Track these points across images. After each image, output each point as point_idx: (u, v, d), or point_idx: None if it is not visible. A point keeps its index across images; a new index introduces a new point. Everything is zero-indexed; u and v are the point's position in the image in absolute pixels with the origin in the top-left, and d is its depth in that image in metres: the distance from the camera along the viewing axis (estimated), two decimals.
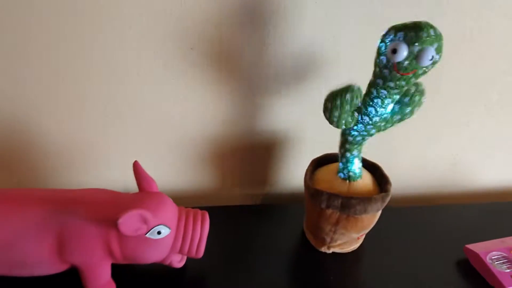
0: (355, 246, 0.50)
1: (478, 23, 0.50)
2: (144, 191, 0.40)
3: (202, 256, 0.41)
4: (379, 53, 0.35)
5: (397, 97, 0.38)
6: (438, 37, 0.33)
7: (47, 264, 0.36)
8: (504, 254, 0.47)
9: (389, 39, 0.34)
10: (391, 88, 0.36)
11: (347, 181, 0.44)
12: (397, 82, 0.35)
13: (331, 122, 0.40)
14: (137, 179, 0.40)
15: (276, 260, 0.47)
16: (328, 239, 0.47)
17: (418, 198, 0.69)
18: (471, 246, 0.48)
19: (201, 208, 0.42)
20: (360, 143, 0.43)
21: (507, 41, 0.52)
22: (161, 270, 0.44)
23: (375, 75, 0.37)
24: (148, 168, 0.42)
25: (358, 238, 0.49)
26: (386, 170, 0.46)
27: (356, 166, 0.44)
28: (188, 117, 0.53)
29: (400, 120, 0.40)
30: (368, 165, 0.48)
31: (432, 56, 0.33)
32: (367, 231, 0.46)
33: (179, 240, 0.39)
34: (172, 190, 0.61)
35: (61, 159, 0.55)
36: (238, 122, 0.55)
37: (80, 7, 0.43)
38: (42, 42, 0.45)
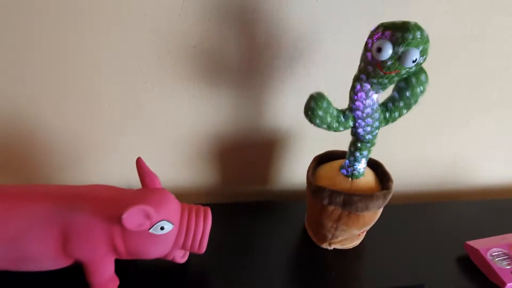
0: (356, 242, 0.50)
1: (478, 21, 0.50)
2: (147, 187, 0.40)
3: (205, 252, 0.41)
4: (365, 49, 0.36)
5: (381, 90, 0.38)
6: (424, 40, 0.32)
7: (51, 259, 0.37)
8: (505, 251, 0.47)
9: (376, 36, 0.34)
10: (374, 83, 0.37)
11: (350, 178, 0.45)
12: (380, 80, 0.36)
13: (315, 124, 0.39)
14: (140, 176, 0.41)
15: (278, 256, 0.48)
16: (329, 236, 0.47)
17: (419, 195, 0.70)
18: (471, 243, 0.49)
19: (203, 205, 0.43)
20: (371, 141, 0.42)
21: (507, 38, 0.52)
22: (164, 266, 0.44)
23: (359, 70, 0.38)
24: (151, 165, 0.42)
25: (359, 235, 0.49)
26: (388, 168, 0.47)
27: (362, 165, 0.44)
28: (191, 114, 0.54)
29: (405, 106, 0.39)
30: (370, 163, 0.48)
31: (416, 59, 0.33)
32: (368, 227, 0.47)
33: (182, 236, 0.39)
34: (175, 187, 0.61)
35: (66, 157, 0.55)
36: (240, 120, 0.55)
37: (83, 7, 0.43)
38: (45, 41, 0.45)
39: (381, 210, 0.45)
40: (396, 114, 0.40)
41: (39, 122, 0.51)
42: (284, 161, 0.62)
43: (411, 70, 0.35)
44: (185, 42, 0.47)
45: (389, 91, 0.40)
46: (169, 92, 0.51)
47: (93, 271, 0.38)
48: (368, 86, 0.37)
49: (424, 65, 0.36)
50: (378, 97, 0.39)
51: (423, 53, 0.33)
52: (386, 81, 0.36)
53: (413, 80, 0.37)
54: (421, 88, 0.37)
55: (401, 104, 0.39)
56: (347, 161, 0.45)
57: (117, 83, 0.49)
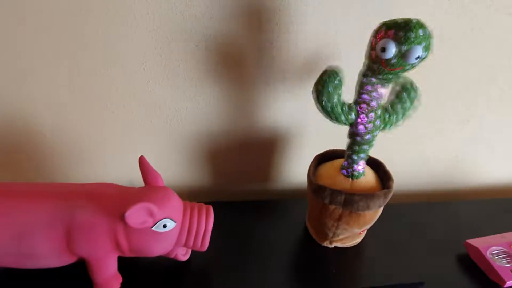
0: (357, 240, 0.50)
1: (479, 20, 0.50)
2: (150, 185, 0.41)
3: (207, 250, 0.42)
4: (369, 47, 0.37)
5: (386, 84, 0.39)
6: (426, 36, 0.33)
7: (55, 256, 0.37)
8: (505, 249, 0.47)
9: (379, 36, 0.35)
10: (380, 79, 0.38)
11: (350, 178, 0.45)
12: (385, 76, 0.37)
13: (320, 102, 0.39)
14: (143, 174, 0.41)
15: (279, 254, 0.48)
16: (330, 234, 0.47)
17: (419, 194, 0.70)
18: (471, 241, 0.49)
19: (205, 203, 0.43)
20: (369, 143, 0.43)
21: (508, 36, 0.53)
22: (166, 263, 0.45)
23: (365, 66, 0.39)
24: (153, 164, 0.42)
25: (360, 233, 0.49)
26: (388, 167, 0.47)
27: (361, 167, 0.44)
28: (192, 113, 0.54)
29: (402, 109, 0.41)
30: (371, 162, 0.48)
31: (419, 55, 0.34)
32: (369, 226, 0.47)
33: (184, 234, 0.39)
34: (177, 186, 0.61)
35: (69, 156, 0.56)
36: (241, 119, 0.55)
37: (86, 5, 0.43)
38: (45, 41, 0.45)
39: (381, 209, 0.45)
40: (394, 117, 0.41)
41: (39, 122, 0.52)
42: (285, 160, 0.62)
43: (415, 65, 0.35)
44: (188, 41, 0.47)
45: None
46: (171, 91, 0.51)
47: (96, 269, 0.38)
48: (374, 80, 0.39)
49: (424, 63, 0.36)
50: (384, 92, 0.40)
51: (426, 48, 0.34)
52: (390, 76, 0.37)
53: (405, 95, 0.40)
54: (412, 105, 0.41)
55: (399, 107, 0.41)
56: (345, 163, 0.45)
57: (119, 82, 0.50)
